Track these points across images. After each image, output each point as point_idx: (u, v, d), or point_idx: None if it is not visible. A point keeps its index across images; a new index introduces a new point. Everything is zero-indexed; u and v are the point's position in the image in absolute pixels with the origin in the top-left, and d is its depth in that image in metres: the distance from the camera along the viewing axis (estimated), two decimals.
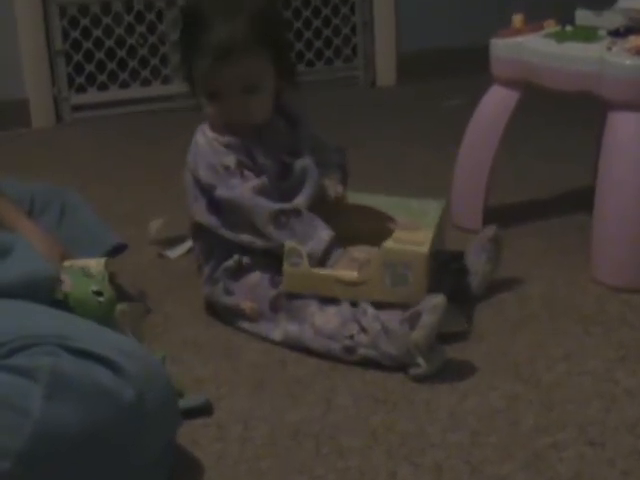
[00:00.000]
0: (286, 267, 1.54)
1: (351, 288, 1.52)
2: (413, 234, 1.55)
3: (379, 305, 1.50)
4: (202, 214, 1.61)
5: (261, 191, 1.56)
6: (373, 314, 1.48)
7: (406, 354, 1.44)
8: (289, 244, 1.53)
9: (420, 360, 1.43)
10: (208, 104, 1.59)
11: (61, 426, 1.06)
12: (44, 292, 1.28)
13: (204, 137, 1.59)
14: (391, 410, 1.37)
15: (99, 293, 1.37)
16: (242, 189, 1.55)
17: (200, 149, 1.59)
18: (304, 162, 1.63)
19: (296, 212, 1.56)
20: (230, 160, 1.56)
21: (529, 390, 1.41)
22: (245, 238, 1.58)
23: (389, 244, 1.52)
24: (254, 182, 1.56)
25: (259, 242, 1.57)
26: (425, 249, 1.51)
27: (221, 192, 1.57)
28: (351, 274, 1.52)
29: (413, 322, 1.44)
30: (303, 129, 1.68)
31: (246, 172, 1.57)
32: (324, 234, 1.55)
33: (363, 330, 1.48)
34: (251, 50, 1.54)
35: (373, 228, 1.62)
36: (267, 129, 1.62)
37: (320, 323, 1.52)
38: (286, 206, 1.56)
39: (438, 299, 1.44)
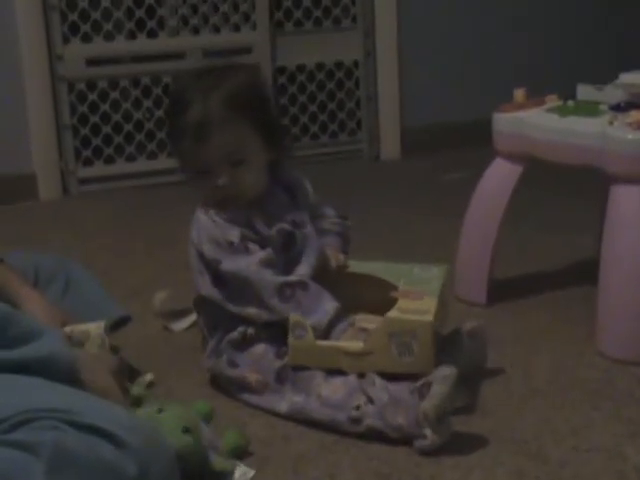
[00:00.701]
0: (291, 340, 1.53)
1: (357, 359, 1.51)
2: (417, 303, 1.55)
3: (388, 376, 1.48)
4: (207, 288, 1.61)
5: (267, 263, 1.56)
6: (381, 384, 1.47)
7: (414, 425, 1.42)
8: (294, 317, 1.52)
9: (427, 431, 1.41)
10: (199, 182, 1.60)
11: None
12: (60, 374, 1.26)
13: (205, 213, 1.60)
14: None
15: (187, 429, 1.30)
16: (248, 262, 1.55)
17: (202, 224, 1.60)
18: (305, 231, 1.64)
19: (302, 284, 1.55)
20: (234, 235, 1.57)
21: (536, 466, 1.39)
22: (251, 311, 1.58)
23: (393, 314, 1.52)
24: (260, 255, 1.56)
25: (265, 315, 1.57)
26: (430, 317, 1.50)
27: (226, 266, 1.57)
28: (356, 345, 1.51)
29: (423, 392, 1.42)
30: (302, 198, 1.69)
31: (251, 245, 1.57)
32: (329, 306, 1.54)
33: (370, 401, 1.46)
34: (228, 125, 1.55)
35: (376, 296, 1.62)
36: (268, 200, 1.63)
37: (326, 394, 1.50)
38: (291, 279, 1.56)
39: (449, 370, 1.44)
